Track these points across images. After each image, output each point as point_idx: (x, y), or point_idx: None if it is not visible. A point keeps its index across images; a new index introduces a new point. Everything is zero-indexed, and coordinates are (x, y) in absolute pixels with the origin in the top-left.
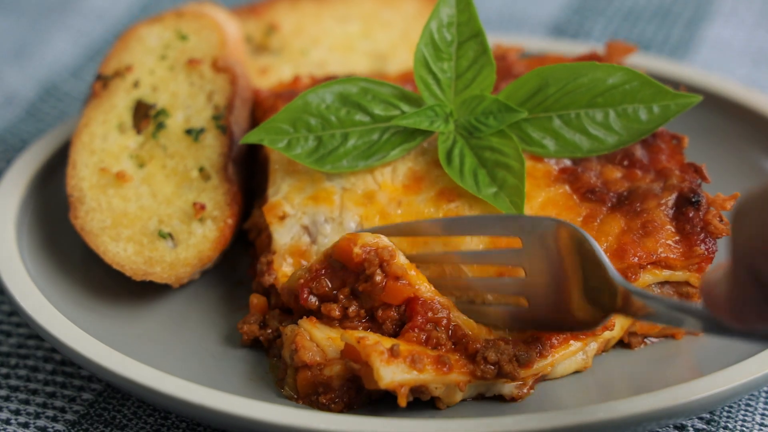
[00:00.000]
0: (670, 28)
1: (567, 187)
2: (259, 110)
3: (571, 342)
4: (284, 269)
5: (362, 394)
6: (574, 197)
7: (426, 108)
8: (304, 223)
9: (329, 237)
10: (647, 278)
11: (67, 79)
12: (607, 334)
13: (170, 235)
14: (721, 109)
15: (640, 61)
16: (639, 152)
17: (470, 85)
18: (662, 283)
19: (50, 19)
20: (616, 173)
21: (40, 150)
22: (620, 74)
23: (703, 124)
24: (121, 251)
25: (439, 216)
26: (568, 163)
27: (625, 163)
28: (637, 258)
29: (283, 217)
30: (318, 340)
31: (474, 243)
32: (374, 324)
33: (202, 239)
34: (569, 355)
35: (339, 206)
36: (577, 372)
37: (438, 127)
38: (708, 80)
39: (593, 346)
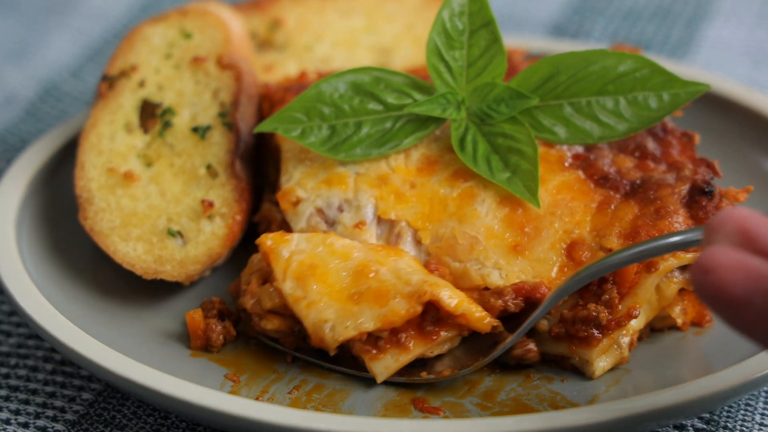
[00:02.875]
0: (670, 28)
1: (580, 173)
2: (267, 104)
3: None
4: None
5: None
6: (589, 183)
7: (438, 96)
8: (318, 205)
9: (349, 222)
10: (671, 262)
11: (67, 79)
12: (633, 323)
13: (179, 233)
14: (721, 109)
15: None
16: (651, 145)
17: (482, 73)
18: (683, 268)
19: (50, 19)
20: (628, 163)
21: (40, 150)
22: (631, 62)
23: (703, 124)
24: (131, 251)
25: (453, 195)
26: (580, 149)
27: (637, 154)
28: (649, 237)
29: (296, 203)
30: (263, 296)
31: (489, 218)
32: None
33: (211, 236)
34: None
35: (353, 189)
36: (614, 368)
37: (450, 114)
38: (708, 80)
39: (625, 340)
